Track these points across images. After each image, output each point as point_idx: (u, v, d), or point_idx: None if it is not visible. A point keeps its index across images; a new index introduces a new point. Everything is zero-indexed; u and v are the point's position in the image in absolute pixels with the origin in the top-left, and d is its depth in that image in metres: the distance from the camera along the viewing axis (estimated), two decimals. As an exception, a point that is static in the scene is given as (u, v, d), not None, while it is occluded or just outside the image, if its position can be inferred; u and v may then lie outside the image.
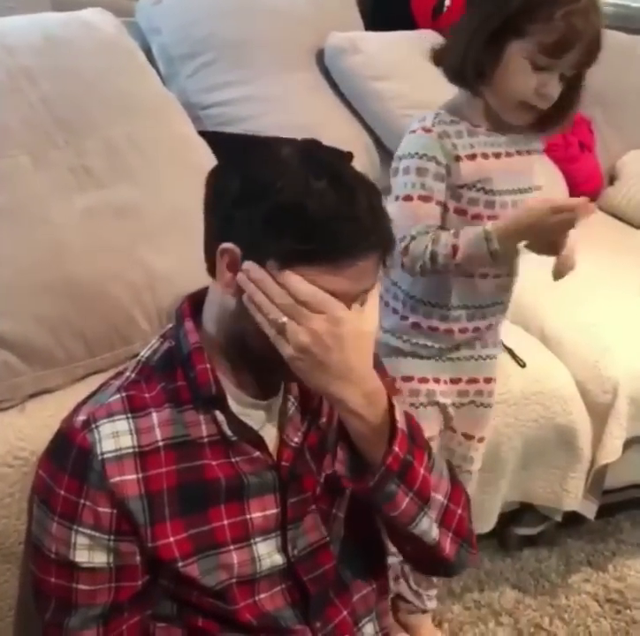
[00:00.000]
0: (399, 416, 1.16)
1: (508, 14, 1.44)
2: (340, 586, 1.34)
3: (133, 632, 1.21)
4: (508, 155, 1.60)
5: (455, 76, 1.55)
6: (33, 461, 1.36)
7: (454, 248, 1.50)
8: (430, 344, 1.70)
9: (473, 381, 1.77)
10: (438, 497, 1.24)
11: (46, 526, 1.16)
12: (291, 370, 1.10)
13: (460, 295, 1.65)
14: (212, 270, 1.14)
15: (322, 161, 1.09)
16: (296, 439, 1.24)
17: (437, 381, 1.74)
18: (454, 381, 1.76)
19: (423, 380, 1.73)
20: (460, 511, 1.28)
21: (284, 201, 1.05)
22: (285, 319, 1.07)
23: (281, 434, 1.24)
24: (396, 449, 1.14)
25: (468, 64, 1.50)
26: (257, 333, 1.10)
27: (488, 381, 1.79)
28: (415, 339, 1.71)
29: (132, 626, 1.21)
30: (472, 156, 1.55)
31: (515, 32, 1.45)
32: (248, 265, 1.08)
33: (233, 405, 1.18)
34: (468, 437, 1.82)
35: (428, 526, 1.22)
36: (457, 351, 1.72)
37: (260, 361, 1.15)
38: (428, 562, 1.33)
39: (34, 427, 1.44)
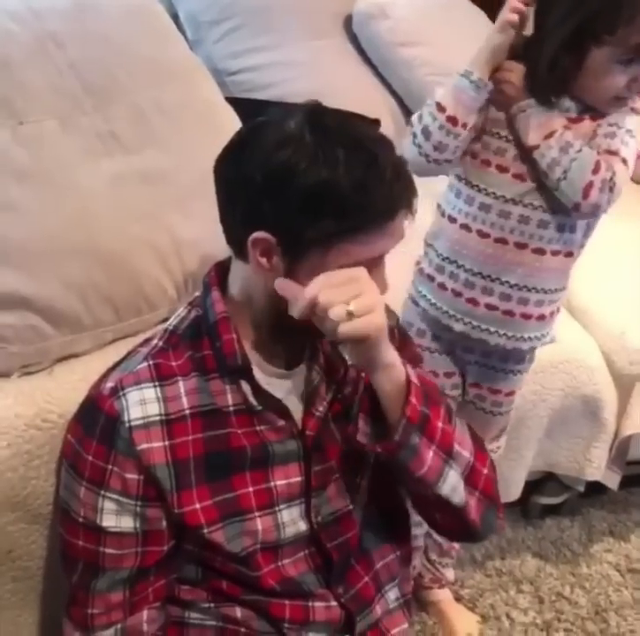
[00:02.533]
0: (412, 374, 1.17)
1: (583, 22, 1.40)
2: (362, 553, 1.35)
3: (159, 595, 1.23)
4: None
5: (541, 90, 1.49)
6: (61, 424, 1.37)
7: (439, 105, 1.48)
8: (445, 308, 1.64)
9: (475, 385, 1.74)
10: (464, 454, 1.24)
11: (74, 491, 1.17)
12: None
13: (472, 257, 1.58)
14: (237, 252, 1.15)
15: (331, 127, 1.08)
16: (321, 408, 1.25)
17: (448, 375, 1.72)
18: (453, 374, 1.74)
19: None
20: (486, 471, 1.28)
21: (312, 183, 1.03)
22: (351, 308, 1.05)
23: (307, 403, 1.25)
24: (413, 400, 1.14)
25: (551, 76, 1.46)
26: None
27: (493, 392, 1.73)
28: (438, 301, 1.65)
29: (157, 589, 1.23)
30: None
31: (595, 41, 1.41)
32: (280, 283, 1.09)
33: (259, 375, 1.19)
34: None
35: (456, 481, 1.22)
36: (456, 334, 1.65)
37: (290, 330, 1.15)
38: (456, 527, 1.32)
39: (62, 390, 1.45)
